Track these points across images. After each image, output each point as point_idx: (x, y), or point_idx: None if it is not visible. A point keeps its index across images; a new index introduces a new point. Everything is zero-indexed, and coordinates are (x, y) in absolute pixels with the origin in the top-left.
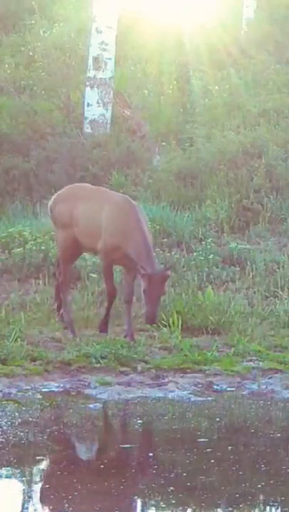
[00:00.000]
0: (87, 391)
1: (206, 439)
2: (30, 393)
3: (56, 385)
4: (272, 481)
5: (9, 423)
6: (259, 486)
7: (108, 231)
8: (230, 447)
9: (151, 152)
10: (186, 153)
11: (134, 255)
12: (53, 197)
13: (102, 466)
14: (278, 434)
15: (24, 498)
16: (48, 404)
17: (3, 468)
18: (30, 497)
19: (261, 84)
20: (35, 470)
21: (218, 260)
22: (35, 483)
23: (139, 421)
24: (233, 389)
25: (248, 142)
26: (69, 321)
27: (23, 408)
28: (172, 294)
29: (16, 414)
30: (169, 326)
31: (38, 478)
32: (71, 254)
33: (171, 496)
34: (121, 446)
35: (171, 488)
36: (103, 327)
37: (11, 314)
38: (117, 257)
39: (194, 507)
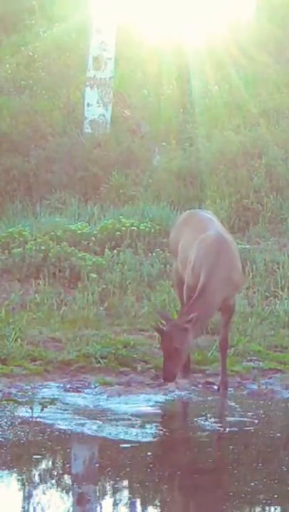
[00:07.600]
0: (87, 391)
1: (206, 440)
2: (30, 393)
3: (56, 385)
4: (272, 481)
5: (9, 423)
6: (259, 486)
7: (191, 264)
8: (230, 447)
9: (151, 152)
10: (186, 153)
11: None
12: (175, 221)
13: (98, 466)
14: (278, 434)
15: (23, 498)
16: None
17: (3, 468)
18: (29, 497)
19: (261, 84)
20: (34, 470)
21: None
22: (35, 483)
23: (139, 421)
24: (233, 389)
25: (248, 142)
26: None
27: (23, 408)
28: (172, 293)
29: (16, 414)
30: None
31: (37, 478)
32: (180, 289)
33: (169, 496)
34: (120, 446)
35: (166, 487)
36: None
37: (11, 314)
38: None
39: (193, 507)
